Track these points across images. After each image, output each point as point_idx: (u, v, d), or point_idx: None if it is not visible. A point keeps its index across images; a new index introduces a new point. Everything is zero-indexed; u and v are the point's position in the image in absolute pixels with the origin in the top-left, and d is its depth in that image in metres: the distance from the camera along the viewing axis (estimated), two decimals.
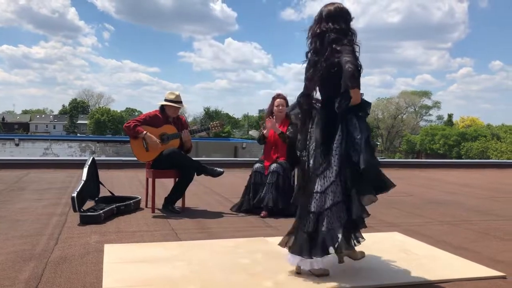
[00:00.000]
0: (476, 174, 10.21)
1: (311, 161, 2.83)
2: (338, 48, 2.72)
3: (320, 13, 2.87)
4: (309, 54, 2.90)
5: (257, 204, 4.74)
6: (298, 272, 2.85)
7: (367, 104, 2.76)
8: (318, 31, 2.83)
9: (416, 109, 66.30)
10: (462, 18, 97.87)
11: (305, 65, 2.93)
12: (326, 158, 2.75)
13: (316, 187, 2.75)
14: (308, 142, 2.90)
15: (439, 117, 67.01)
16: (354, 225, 2.74)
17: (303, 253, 2.72)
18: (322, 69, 2.78)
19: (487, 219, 4.93)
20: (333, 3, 2.89)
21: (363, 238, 2.87)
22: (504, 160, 24.34)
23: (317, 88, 2.90)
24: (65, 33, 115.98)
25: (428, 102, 66.52)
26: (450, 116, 64.69)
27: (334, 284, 2.68)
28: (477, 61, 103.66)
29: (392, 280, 2.78)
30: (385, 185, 2.73)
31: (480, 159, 38.23)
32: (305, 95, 2.93)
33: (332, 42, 2.75)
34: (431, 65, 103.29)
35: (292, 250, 2.78)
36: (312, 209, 2.72)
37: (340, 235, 2.73)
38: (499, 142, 46.68)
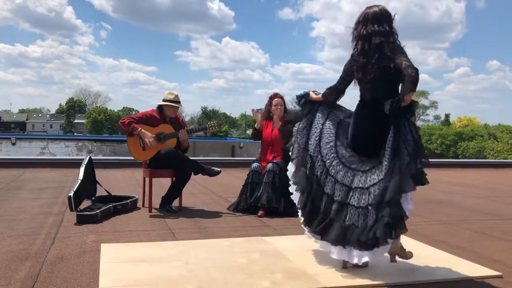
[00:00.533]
0: (473, 174, 10.24)
1: (332, 155, 2.96)
2: (389, 54, 2.77)
3: (365, 15, 2.92)
4: (355, 55, 2.94)
5: (254, 203, 4.74)
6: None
7: (416, 105, 2.81)
8: (364, 32, 2.88)
9: None
10: (459, 18, 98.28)
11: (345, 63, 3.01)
12: (364, 155, 2.89)
13: (357, 182, 2.83)
14: (317, 137, 3.02)
15: (436, 117, 67.27)
16: (390, 222, 2.69)
17: (343, 244, 2.80)
18: (374, 71, 2.82)
19: (484, 218, 4.94)
20: (377, 5, 2.95)
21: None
22: (500, 160, 24.41)
23: (362, 88, 2.96)
24: (62, 32, 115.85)
25: (425, 102, 66.69)
26: (447, 115, 64.92)
27: (330, 283, 2.68)
28: (474, 61, 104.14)
29: (389, 279, 2.78)
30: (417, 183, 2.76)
31: (477, 158, 38.35)
32: (338, 89, 3.06)
33: (381, 44, 2.81)
34: (428, 65, 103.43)
35: (328, 239, 2.86)
36: (354, 203, 2.81)
37: (380, 230, 2.71)
38: (495, 142, 46.82)
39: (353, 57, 2.96)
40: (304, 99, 3.21)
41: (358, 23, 2.95)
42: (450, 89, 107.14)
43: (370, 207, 2.75)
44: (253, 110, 5.00)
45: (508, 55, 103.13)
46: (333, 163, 2.95)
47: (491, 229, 4.36)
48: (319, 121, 3.12)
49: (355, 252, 2.77)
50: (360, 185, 2.82)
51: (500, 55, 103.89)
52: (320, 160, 2.99)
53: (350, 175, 2.89)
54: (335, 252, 2.86)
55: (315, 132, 3.09)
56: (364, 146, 2.91)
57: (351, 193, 2.84)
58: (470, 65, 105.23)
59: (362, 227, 2.75)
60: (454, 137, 50.07)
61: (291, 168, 3.17)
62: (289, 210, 4.68)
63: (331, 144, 3.01)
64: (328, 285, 2.66)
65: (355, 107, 3.04)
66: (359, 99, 3.02)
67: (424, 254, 3.35)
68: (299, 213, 3.11)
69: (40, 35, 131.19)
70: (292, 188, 3.14)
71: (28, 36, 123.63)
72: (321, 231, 2.91)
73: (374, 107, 2.86)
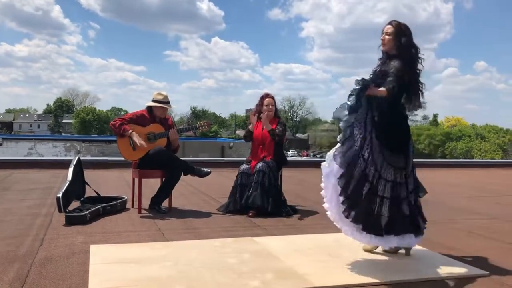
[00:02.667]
0: (461, 174, 10.35)
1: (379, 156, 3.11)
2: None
3: (404, 27, 3.19)
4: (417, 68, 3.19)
5: (244, 204, 4.74)
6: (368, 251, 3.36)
7: None
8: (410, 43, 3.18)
9: None
10: (447, 19, 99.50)
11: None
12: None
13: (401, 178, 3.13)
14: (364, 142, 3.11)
15: (425, 117, 67.82)
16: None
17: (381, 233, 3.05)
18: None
19: (471, 218, 5.00)
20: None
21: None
22: (488, 160, 24.72)
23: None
24: (49, 31, 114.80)
25: None
26: (435, 116, 65.51)
27: (320, 282, 2.70)
28: (462, 62, 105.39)
29: (378, 278, 2.80)
30: None
31: (464, 158, 38.76)
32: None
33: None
34: None
35: (368, 230, 3.04)
36: (385, 195, 3.06)
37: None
38: (483, 142, 47.39)
39: (416, 66, 3.18)
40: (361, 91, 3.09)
41: (411, 35, 3.17)
42: (438, 90, 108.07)
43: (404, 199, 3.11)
44: (250, 112, 5.03)
45: (495, 56, 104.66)
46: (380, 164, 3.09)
47: (478, 228, 4.41)
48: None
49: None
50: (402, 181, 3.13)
51: (488, 56, 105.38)
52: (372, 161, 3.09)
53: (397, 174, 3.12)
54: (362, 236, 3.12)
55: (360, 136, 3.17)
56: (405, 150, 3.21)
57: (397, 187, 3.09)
58: (457, 66, 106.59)
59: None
60: (442, 137, 50.56)
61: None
62: (276, 210, 4.70)
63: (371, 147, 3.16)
64: (318, 284, 2.68)
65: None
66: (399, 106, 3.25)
67: (412, 253, 3.38)
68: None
69: (27, 34, 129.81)
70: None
71: (15, 35, 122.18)
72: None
73: (395, 111, 3.20)
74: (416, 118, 67.57)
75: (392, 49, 3.18)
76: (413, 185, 3.17)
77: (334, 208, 3.12)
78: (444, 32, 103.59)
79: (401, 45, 3.13)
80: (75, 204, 4.69)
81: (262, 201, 4.65)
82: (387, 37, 3.19)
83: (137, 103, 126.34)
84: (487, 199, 6.49)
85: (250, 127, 5.06)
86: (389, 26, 3.20)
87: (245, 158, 5.38)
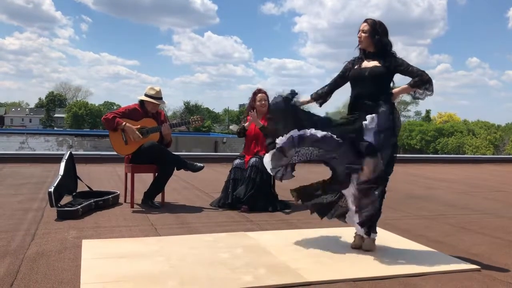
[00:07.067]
0: (452, 169, 10.41)
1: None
2: None
3: (379, 24, 3.28)
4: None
5: (236, 199, 4.74)
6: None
7: None
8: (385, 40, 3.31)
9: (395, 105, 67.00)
10: (441, 14, 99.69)
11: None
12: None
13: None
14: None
15: (417, 113, 68.07)
16: None
17: None
18: None
19: (462, 213, 5.04)
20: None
21: None
22: (479, 156, 24.87)
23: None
24: (40, 24, 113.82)
25: (406, 98, 67.16)
26: (428, 112, 65.74)
27: (313, 277, 2.71)
28: (455, 58, 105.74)
29: (369, 273, 2.82)
30: None
31: (456, 154, 38.98)
32: None
33: None
34: (410, 61, 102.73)
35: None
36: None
37: None
38: (474, 137, 47.69)
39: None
40: None
41: (386, 33, 3.29)
42: None
43: None
44: (250, 112, 4.99)
45: (488, 52, 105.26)
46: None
47: (469, 223, 4.45)
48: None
49: None
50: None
51: (480, 52, 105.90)
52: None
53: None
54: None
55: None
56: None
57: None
58: (450, 62, 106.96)
59: None
60: (434, 133, 50.77)
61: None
62: (266, 205, 4.70)
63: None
64: (310, 279, 2.68)
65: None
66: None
67: (404, 248, 3.41)
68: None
69: (18, 27, 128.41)
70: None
71: (5, 28, 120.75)
72: None
73: None
74: (408, 113, 67.99)
75: (369, 47, 3.30)
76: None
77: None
78: (438, 28, 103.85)
79: (377, 43, 3.25)
80: (67, 199, 4.66)
81: (252, 197, 4.63)
82: (363, 34, 3.29)
83: (129, 98, 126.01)
84: (477, 194, 6.54)
85: (246, 124, 5.04)
86: (365, 24, 3.30)
87: (238, 153, 5.38)
